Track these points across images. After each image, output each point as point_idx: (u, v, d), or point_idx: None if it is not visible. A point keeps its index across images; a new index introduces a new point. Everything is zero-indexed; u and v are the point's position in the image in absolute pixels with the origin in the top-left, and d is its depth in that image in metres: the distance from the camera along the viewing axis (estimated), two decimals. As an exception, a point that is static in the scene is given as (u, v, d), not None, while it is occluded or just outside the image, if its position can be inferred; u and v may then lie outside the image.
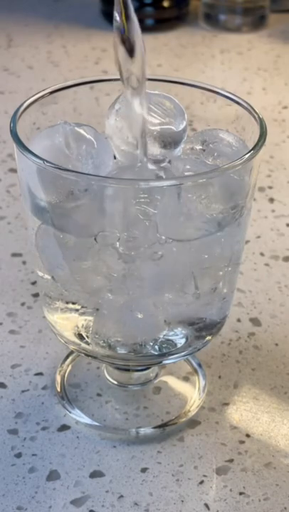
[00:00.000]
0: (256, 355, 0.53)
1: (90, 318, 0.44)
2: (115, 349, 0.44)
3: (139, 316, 0.43)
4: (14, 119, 0.42)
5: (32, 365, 0.52)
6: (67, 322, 0.45)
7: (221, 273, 0.43)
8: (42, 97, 0.45)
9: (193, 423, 0.48)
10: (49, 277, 0.44)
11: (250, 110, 0.44)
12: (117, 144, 0.43)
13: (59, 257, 0.42)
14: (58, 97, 0.46)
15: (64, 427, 0.48)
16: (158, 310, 0.43)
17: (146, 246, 0.40)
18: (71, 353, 0.53)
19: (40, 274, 0.45)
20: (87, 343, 0.45)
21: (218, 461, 0.46)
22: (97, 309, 0.43)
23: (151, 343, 0.44)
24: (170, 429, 0.48)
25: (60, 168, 0.39)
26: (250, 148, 0.41)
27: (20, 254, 0.63)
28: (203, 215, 0.39)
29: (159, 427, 0.48)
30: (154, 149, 0.42)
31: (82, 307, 0.44)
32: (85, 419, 0.48)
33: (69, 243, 0.41)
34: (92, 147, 0.42)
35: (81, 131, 0.42)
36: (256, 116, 0.44)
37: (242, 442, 0.47)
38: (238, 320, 0.56)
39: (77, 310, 0.44)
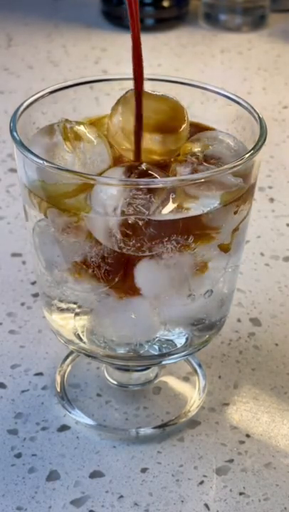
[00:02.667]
0: (256, 355, 0.53)
1: (87, 317, 0.44)
2: (113, 349, 0.44)
3: (133, 316, 0.43)
4: (14, 119, 0.42)
5: (32, 365, 0.52)
6: (65, 322, 0.45)
7: (218, 275, 0.43)
8: (42, 96, 0.45)
9: (193, 423, 0.48)
10: (47, 276, 0.44)
11: (250, 110, 0.44)
12: (120, 143, 0.43)
13: (56, 255, 0.42)
14: (57, 97, 0.46)
15: (64, 427, 0.48)
16: (154, 311, 0.43)
17: (141, 245, 0.40)
18: (71, 353, 0.53)
19: (39, 272, 0.45)
20: (86, 343, 0.45)
21: (218, 461, 0.46)
22: (93, 309, 0.43)
23: (147, 344, 0.44)
24: (170, 429, 0.48)
25: (60, 168, 0.39)
26: (250, 148, 0.41)
27: (20, 254, 0.63)
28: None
29: (159, 427, 0.48)
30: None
31: (79, 306, 0.44)
32: (85, 420, 0.48)
33: (66, 241, 0.41)
34: (91, 145, 0.42)
35: (81, 128, 0.42)
36: (256, 116, 0.44)
37: (242, 442, 0.47)
38: (238, 320, 0.56)
39: (74, 309, 0.44)
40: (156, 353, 0.45)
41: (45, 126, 0.43)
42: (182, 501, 0.44)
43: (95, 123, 0.45)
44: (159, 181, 0.39)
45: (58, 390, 0.50)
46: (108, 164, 0.42)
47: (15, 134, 0.41)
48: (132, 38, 0.40)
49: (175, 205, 0.39)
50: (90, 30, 1.09)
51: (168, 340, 0.45)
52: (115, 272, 0.41)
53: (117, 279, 0.41)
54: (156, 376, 0.51)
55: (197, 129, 0.45)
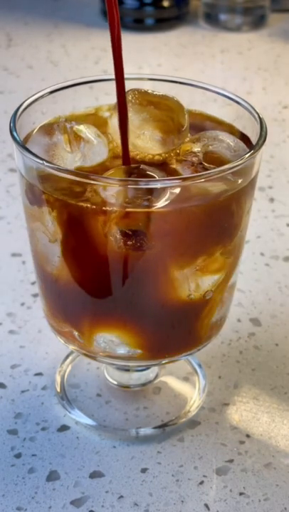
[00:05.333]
0: (256, 356, 0.53)
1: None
2: (113, 349, 0.44)
3: None
4: (14, 119, 0.42)
5: (32, 365, 0.52)
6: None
7: (218, 276, 0.43)
8: (42, 96, 0.45)
9: (193, 423, 0.48)
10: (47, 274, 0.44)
11: (251, 110, 0.44)
12: (120, 143, 0.43)
13: (56, 255, 0.42)
14: (57, 97, 0.46)
15: (64, 428, 0.48)
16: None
17: (141, 245, 0.40)
18: (71, 353, 0.53)
19: (38, 271, 0.45)
20: (86, 343, 0.45)
21: (218, 461, 0.46)
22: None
23: None
24: (170, 429, 0.48)
25: (60, 169, 0.39)
26: (251, 148, 0.41)
27: (19, 254, 0.63)
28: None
29: (159, 427, 0.48)
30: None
31: None
32: (85, 420, 0.48)
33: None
34: (91, 145, 0.42)
35: (81, 128, 0.42)
36: (256, 116, 0.44)
37: (242, 443, 0.47)
38: (238, 320, 0.56)
39: None
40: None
41: (45, 126, 0.43)
42: (182, 501, 0.44)
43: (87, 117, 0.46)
44: (159, 182, 0.39)
45: (58, 390, 0.50)
46: (106, 159, 0.42)
47: (15, 133, 0.41)
48: (111, 40, 0.39)
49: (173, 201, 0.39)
50: (90, 30, 1.09)
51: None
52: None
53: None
54: (156, 376, 0.51)
55: (210, 122, 0.46)
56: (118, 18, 0.39)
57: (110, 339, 0.44)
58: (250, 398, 0.50)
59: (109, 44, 0.39)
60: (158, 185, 0.39)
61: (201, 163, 0.41)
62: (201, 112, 0.47)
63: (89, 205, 0.39)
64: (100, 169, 0.41)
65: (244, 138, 0.44)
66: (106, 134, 0.44)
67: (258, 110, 0.44)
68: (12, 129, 0.42)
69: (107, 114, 0.46)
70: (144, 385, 0.51)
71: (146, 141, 0.42)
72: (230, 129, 0.45)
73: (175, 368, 0.52)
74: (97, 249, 0.40)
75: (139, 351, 0.44)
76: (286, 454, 0.47)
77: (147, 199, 0.38)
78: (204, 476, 0.45)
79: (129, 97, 0.43)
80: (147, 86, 0.45)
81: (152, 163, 0.42)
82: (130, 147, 0.43)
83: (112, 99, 0.45)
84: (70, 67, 0.98)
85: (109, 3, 0.39)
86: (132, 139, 0.42)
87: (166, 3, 1.08)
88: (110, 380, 0.51)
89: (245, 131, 0.45)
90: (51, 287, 0.44)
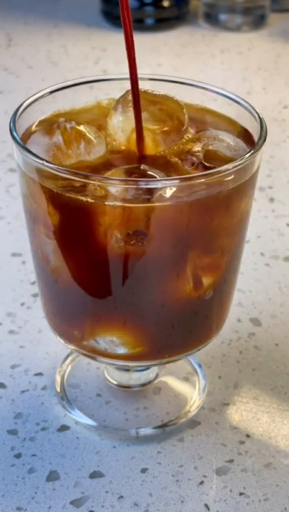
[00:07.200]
0: (256, 356, 0.53)
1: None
2: (113, 349, 0.44)
3: None
4: (14, 119, 0.42)
5: (32, 365, 0.52)
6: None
7: (218, 275, 0.43)
8: (42, 96, 0.45)
9: (193, 423, 0.48)
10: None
11: (251, 110, 0.44)
12: (119, 142, 0.43)
13: (56, 254, 0.42)
14: (57, 97, 0.46)
15: (64, 428, 0.48)
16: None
17: (142, 244, 0.40)
18: (71, 353, 0.53)
19: (38, 271, 0.45)
20: (85, 343, 0.45)
21: (218, 461, 0.46)
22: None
23: None
24: (170, 429, 0.48)
25: (60, 169, 0.39)
26: (251, 147, 0.41)
27: (19, 254, 0.63)
28: None
29: (159, 427, 0.48)
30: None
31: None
32: (85, 420, 0.48)
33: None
34: (91, 145, 0.42)
35: (81, 128, 0.42)
36: (256, 115, 0.44)
37: (242, 443, 0.47)
38: (238, 320, 0.56)
39: None
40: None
41: (45, 126, 0.43)
42: (182, 501, 0.44)
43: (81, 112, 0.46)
44: (159, 182, 0.39)
45: (58, 390, 0.50)
46: (105, 153, 0.42)
47: (15, 134, 0.41)
48: (125, 41, 0.40)
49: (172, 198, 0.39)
50: (90, 30, 1.09)
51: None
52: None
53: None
54: (156, 376, 0.51)
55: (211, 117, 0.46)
56: (130, 19, 0.39)
57: (110, 339, 0.44)
58: (250, 398, 0.50)
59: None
60: (158, 186, 0.39)
61: (201, 163, 0.41)
62: (203, 107, 0.47)
63: (89, 205, 0.39)
64: (100, 163, 0.41)
65: (246, 133, 0.44)
66: (104, 129, 0.44)
67: (258, 110, 0.44)
68: (12, 129, 0.42)
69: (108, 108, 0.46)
70: (144, 385, 0.51)
71: (146, 142, 0.42)
72: (233, 124, 0.45)
73: (175, 368, 0.52)
74: (98, 249, 0.40)
75: (139, 351, 0.44)
76: (286, 454, 0.47)
77: (147, 199, 0.38)
78: (204, 476, 0.45)
79: (129, 97, 0.43)
80: (147, 86, 0.45)
81: (152, 163, 0.42)
82: (130, 147, 0.43)
83: (112, 98, 0.45)
84: (70, 67, 0.98)
85: (122, 6, 0.39)
86: (132, 138, 0.42)
87: (166, 3, 1.08)
88: (110, 380, 0.51)
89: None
90: (51, 287, 0.44)
